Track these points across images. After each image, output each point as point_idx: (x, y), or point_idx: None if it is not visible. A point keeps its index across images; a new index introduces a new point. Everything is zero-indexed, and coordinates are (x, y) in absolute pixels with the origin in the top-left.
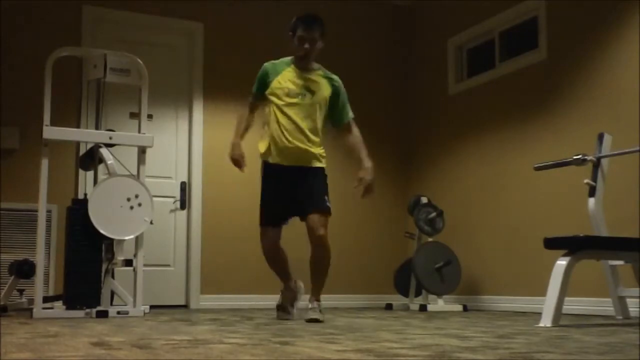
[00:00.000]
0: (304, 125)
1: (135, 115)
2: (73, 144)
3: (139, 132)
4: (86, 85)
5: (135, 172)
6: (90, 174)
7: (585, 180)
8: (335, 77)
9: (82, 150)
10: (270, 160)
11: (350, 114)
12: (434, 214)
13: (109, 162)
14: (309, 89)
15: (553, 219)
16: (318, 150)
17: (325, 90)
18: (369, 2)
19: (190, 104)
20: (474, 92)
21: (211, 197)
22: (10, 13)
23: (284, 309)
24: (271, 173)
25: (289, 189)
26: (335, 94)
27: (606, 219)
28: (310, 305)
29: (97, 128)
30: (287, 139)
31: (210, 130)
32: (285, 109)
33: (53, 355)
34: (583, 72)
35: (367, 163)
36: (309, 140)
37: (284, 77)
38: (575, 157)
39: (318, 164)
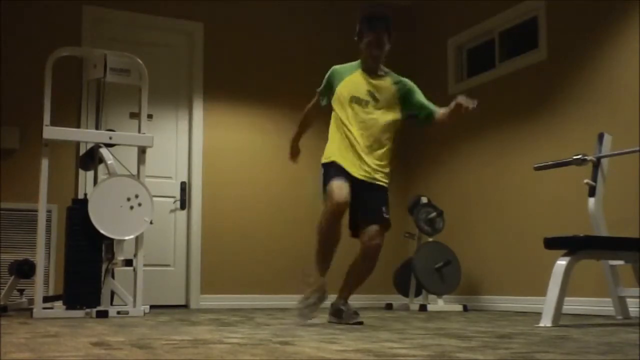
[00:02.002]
0: (365, 135)
1: (135, 115)
2: (73, 144)
3: (139, 132)
4: (86, 85)
5: (135, 172)
6: (90, 174)
7: (585, 180)
8: (404, 79)
9: (82, 150)
10: (335, 160)
11: (435, 108)
12: (434, 214)
13: (109, 162)
14: (374, 96)
15: (553, 219)
16: (380, 165)
17: (393, 97)
18: (368, 2)
19: (190, 104)
20: (474, 92)
21: (211, 197)
22: (10, 13)
23: (308, 306)
24: (336, 164)
25: (354, 193)
26: (406, 95)
27: (606, 219)
28: (344, 308)
29: (97, 128)
30: (352, 148)
31: (210, 130)
32: (348, 117)
33: (53, 355)
34: (583, 72)
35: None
36: (372, 152)
37: (349, 82)
38: (575, 157)
39: (381, 182)
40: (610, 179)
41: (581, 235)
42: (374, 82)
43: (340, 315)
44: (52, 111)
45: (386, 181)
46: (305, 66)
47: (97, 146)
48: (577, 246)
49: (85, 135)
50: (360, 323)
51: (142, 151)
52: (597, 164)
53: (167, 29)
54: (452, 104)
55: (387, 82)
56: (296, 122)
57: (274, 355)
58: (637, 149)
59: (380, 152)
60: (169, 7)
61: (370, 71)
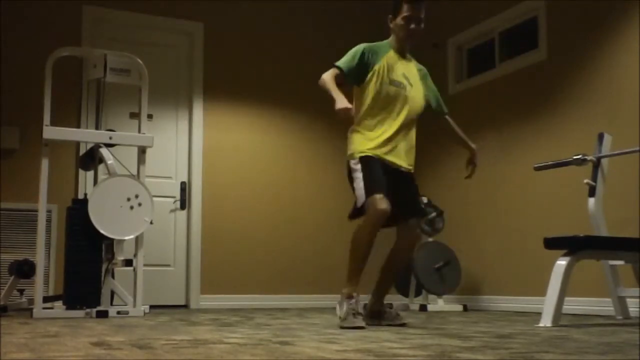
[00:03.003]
0: (401, 120)
1: (135, 115)
2: (73, 144)
3: (139, 132)
4: (86, 85)
5: (135, 172)
6: (90, 174)
7: (585, 180)
8: (421, 66)
9: (82, 150)
10: (370, 153)
11: (444, 107)
12: (434, 214)
13: (109, 162)
14: (408, 79)
15: (553, 219)
16: (412, 151)
17: (419, 82)
18: (368, 2)
19: (190, 104)
20: (474, 92)
21: (211, 197)
22: (10, 13)
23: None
24: (373, 160)
25: (394, 184)
26: (424, 80)
27: (606, 219)
28: (387, 310)
29: (97, 128)
30: (390, 135)
31: (210, 130)
32: (388, 101)
33: (53, 355)
34: (583, 72)
35: (474, 147)
36: (405, 138)
37: (387, 64)
38: (575, 157)
39: (412, 169)
40: (610, 179)
41: (581, 235)
42: (406, 63)
43: (382, 317)
44: (52, 111)
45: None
46: (305, 66)
47: (97, 146)
48: (577, 246)
49: (85, 135)
50: (404, 324)
51: (142, 151)
52: (597, 164)
53: (167, 29)
54: (472, 157)
55: (413, 66)
56: (297, 123)
57: (274, 355)
58: (637, 149)
59: (412, 137)
60: (169, 7)
61: (402, 52)
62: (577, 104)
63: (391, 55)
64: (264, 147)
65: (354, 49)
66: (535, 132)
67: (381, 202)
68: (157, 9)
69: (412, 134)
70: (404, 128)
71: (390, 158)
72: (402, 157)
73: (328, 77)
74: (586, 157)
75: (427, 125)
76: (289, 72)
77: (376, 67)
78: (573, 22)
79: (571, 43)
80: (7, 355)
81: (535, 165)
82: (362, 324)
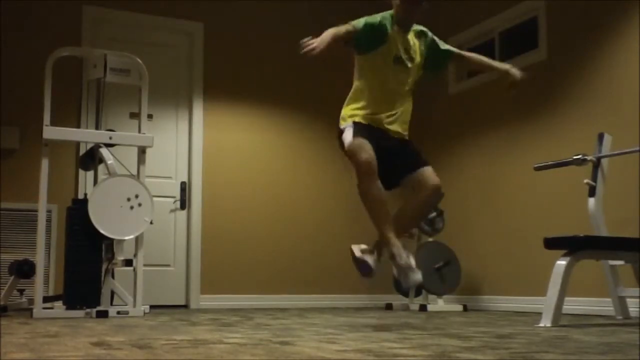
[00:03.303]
0: (400, 91)
1: (135, 115)
2: (73, 144)
3: (139, 132)
4: (86, 85)
5: (135, 172)
6: (90, 174)
7: (585, 180)
8: (422, 27)
9: (82, 150)
10: (361, 120)
11: (453, 48)
12: (434, 214)
13: (109, 162)
14: (409, 54)
15: (553, 219)
16: (407, 120)
17: (420, 53)
18: (368, 2)
19: (190, 104)
20: (474, 92)
21: (211, 197)
22: (10, 13)
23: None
24: (363, 125)
25: (387, 149)
26: (430, 47)
27: (606, 219)
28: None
29: (97, 128)
30: (387, 105)
31: (210, 130)
32: (387, 75)
33: (53, 355)
34: (583, 72)
35: (508, 66)
36: (402, 108)
37: (392, 39)
38: (575, 157)
39: (407, 136)
40: (610, 179)
41: (581, 235)
42: (408, 37)
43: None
44: (52, 111)
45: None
46: (305, 66)
47: (97, 146)
48: (577, 246)
49: (85, 135)
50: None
51: (142, 151)
52: (597, 164)
53: (167, 29)
54: (509, 79)
55: (414, 38)
56: (297, 122)
57: (274, 355)
58: (637, 149)
59: (407, 107)
60: (169, 7)
61: (405, 25)
62: (577, 104)
63: (395, 30)
64: (264, 147)
65: (369, 18)
66: (535, 132)
67: (363, 150)
68: (157, 9)
69: (408, 104)
70: (398, 98)
71: (383, 126)
72: (395, 125)
73: (332, 30)
74: (586, 157)
75: (427, 125)
76: (289, 72)
77: (382, 45)
78: (573, 22)
79: (571, 43)
80: (7, 355)
81: (535, 165)
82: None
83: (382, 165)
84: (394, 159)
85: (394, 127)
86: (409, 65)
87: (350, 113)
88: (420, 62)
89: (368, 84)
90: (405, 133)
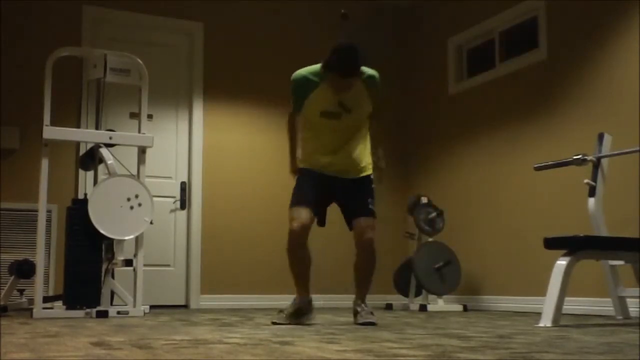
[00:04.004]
0: (340, 137)
1: (135, 115)
2: (73, 144)
3: (139, 132)
4: (86, 85)
5: (135, 172)
6: (90, 174)
7: (585, 180)
8: (372, 75)
9: (82, 150)
10: (307, 166)
11: (373, 107)
12: (434, 214)
13: (109, 162)
14: (344, 105)
15: (553, 219)
16: (359, 157)
17: (363, 95)
18: (368, 2)
19: (190, 104)
20: (474, 92)
21: (211, 197)
22: (10, 13)
23: (296, 314)
24: (310, 173)
25: (331, 192)
26: (371, 88)
27: (606, 219)
28: (359, 309)
29: (97, 128)
30: (327, 160)
31: (210, 130)
32: (320, 127)
33: (53, 355)
34: (583, 72)
35: (382, 160)
36: (349, 149)
37: (317, 96)
38: (575, 157)
39: (363, 173)
40: (610, 179)
41: (581, 235)
42: (344, 88)
43: (355, 316)
44: (52, 111)
45: (369, 171)
46: (305, 66)
47: (97, 146)
48: (577, 246)
49: (85, 135)
50: (371, 324)
51: (142, 151)
52: (597, 164)
53: (167, 29)
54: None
55: (353, 86)
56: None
57: (274, 355)
58: (637, 149)
59: (358, 146)
60: (169, 7)
61: (339, 81)
62: (577, 104)
63: (325, 88)
64: (264, 147)
65: (292, 84)
66: (535, 132)
67: (295, 220)
68: (157, 9)
69: (357, 142)
70: (341, 144)
71: (327, 171)
72: (341, 167)
73: (288, 131)
74: (586, 157)
75: (428, 125)
76: (289, 72)
77: (309, 99)
78: (573, 22)
79: (571, 43)
80: (7, 355)
81: (535, 165)
82: (284, 321)
83: (337, 203)
84: (343, 200)
85: (340, 171)
86: (344, 116)
87: (300, 158)
88: (364, 105)
89: (308, 135)
90: (361, 172)
